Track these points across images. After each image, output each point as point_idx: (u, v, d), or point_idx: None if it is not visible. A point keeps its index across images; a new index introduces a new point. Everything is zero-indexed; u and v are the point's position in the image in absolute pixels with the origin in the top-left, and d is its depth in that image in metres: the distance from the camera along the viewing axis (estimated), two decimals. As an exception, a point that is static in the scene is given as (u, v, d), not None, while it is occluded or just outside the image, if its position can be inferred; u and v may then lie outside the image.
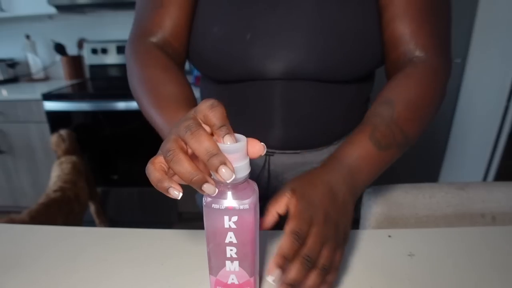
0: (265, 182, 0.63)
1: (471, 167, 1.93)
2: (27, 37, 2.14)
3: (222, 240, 0.32)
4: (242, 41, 0.52)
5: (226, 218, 0.31)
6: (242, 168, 0.30)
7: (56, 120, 1.83)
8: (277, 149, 0.60)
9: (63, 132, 1.64)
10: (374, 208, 0.61)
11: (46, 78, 2.27)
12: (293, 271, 0.33)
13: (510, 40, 1.67)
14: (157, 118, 0.44)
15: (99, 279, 0.42)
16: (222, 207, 0.30)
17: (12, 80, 2.21)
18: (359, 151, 0.43)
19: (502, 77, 1.74)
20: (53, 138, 1.62)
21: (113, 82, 2.09)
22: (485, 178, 1.91)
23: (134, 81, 0.49)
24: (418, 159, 1.87)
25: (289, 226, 0.35)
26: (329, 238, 0.36)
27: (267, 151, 0.60)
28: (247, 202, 0.30)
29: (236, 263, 0.33)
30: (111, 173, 1.94)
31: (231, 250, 0.33)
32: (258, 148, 0.31)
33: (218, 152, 0.28)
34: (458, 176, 1.94)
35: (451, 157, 1.90)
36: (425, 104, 0.48)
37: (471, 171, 1.93)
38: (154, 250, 0.47)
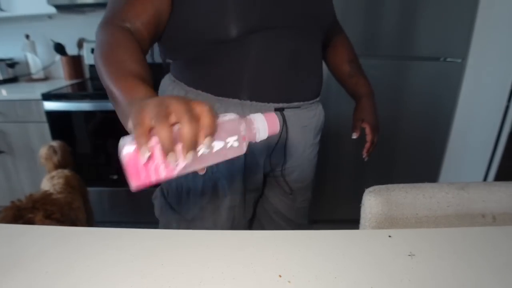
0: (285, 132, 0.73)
1: (471, 167, 1.93)
2: (27, 36, 2.14)
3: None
4: None
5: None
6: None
7: (56, 120, 1.83)
8: (286, 102, 0.68)
9: (54, 143, 1.45)
10: (374, 208, 0.61)
11: (45, 78, 2.27)
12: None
13: (510, 40, 1.67)
14: (114, 88, 0.47)
15: (98, 279, 0.42)
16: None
17: (11, 80, 2.21)
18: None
19: (502, 77, 1.74)
20: (43, 150, 1.42)
21: (113, 82, 2.09)
22: (485, 178, 1.91)
23: (97, 53, 0.51)
24: (418, 159, 1.87)
25: (373, 136, 0.84)
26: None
27: (279, 108, 0.68)
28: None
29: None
30: (111, 173, 1.94)
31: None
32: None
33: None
34: (458, 176, 1.94)
35: (451, 157, 1.90)
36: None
37: (471, 171, 1.93)
38: (154, 250, 0.47)
